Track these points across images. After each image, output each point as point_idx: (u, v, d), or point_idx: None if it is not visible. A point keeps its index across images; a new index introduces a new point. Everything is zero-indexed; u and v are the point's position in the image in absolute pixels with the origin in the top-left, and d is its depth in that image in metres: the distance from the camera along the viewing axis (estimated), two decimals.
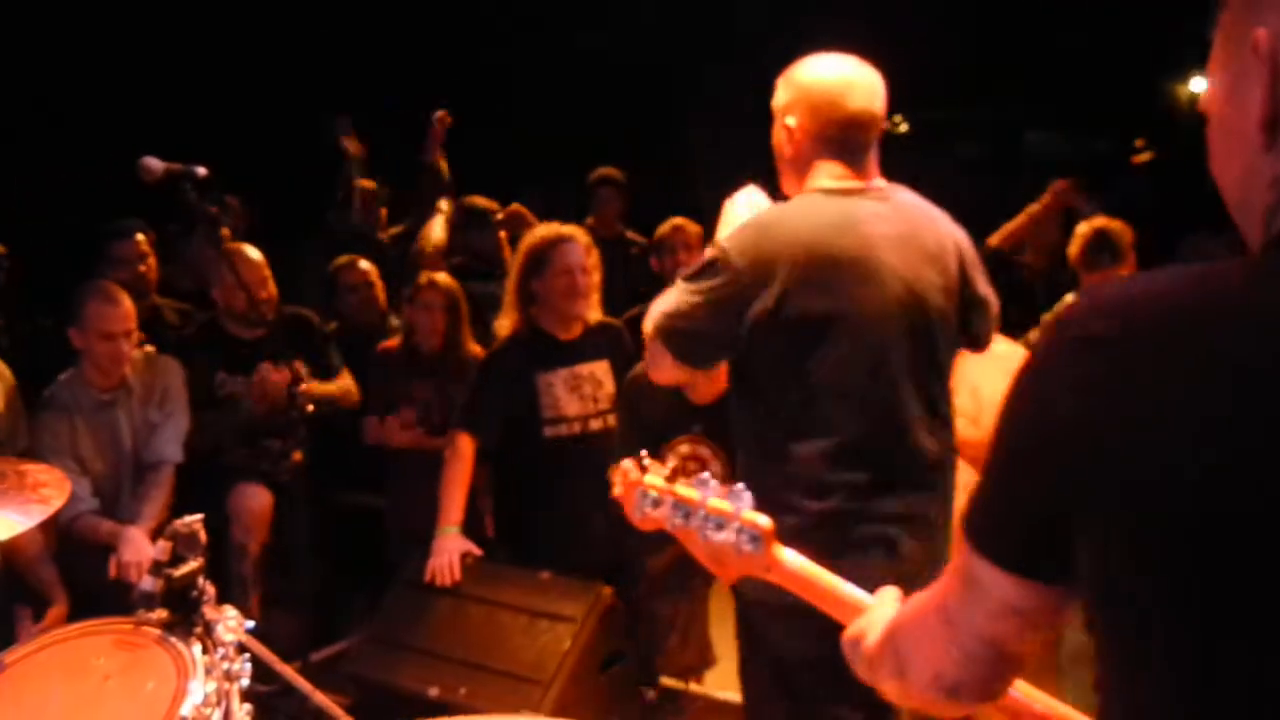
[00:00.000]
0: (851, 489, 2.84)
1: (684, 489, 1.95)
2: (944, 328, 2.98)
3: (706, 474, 1.94)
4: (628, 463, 2.10)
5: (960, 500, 3.71)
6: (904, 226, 2.92)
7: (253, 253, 5.34)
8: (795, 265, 2.78)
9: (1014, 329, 4.23)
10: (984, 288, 3.11)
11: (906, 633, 1.50)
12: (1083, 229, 5.23)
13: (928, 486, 2.96)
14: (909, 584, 2.53)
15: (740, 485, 1.92)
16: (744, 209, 3.11)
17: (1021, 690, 1.61)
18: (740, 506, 1.90)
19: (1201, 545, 1.11)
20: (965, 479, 3.86)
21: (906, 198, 3.02)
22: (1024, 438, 1.27)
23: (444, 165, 7.45)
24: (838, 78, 2.92)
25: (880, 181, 2.98)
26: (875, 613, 1.70)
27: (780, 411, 2.89)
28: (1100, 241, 5.17)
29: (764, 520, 1.90)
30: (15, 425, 4.57)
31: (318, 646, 4.71)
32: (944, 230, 3.02)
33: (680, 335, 2.88)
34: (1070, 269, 5.26)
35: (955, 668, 1.39)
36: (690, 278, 2.89)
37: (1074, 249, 5.24)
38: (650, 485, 2.00)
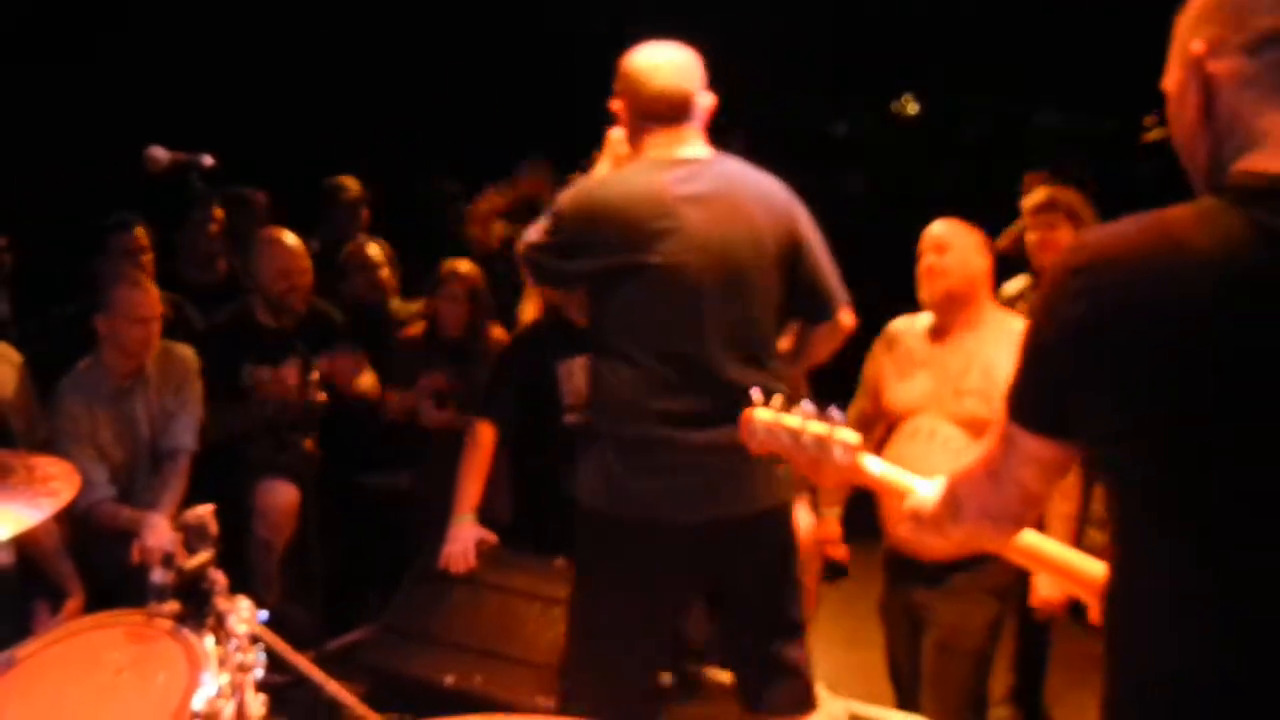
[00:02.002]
0: (662, 416, 3.30)
1: (788, 418, 2.38)
2: (756, 280, 3.34)
3: (805, 401, 2.39)
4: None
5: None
6: (715, 189, 3.33)
7: (291, 239, 5.32)
8: (610, 228, 3.30)
9: None
10: (814, 262, 3.45)
11: (961, 485, 1.99)
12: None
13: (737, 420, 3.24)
14: (715, 503, 3.33)
15: (833, 408, 2.34)
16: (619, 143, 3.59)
17: (1036, 539, 2.19)
18: (833, 426, 2.31)
19: (1155, 410, 1.62)
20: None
21: (728, 166, 3.42)
22: (1038, 340, 1.75)
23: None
24: (647, 62, 3.41)
25: (701, 151, 3.41)
26: (924, 491, 2.16)
27: (605, 342, 3.39)
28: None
29: (853, 436, 2.32)
30: (31, 414, 4.58)
31: (332, 636, 4.70)
32: (767, 196, 3.41)
33: (533, 264, 3.50)
34: None
35: (997, 502, 1.91)
36: (545, 218, 3.45)
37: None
38: (760, 418, 2.41)
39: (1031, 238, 5.05)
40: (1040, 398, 1.78)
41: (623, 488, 3.38)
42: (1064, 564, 2.23)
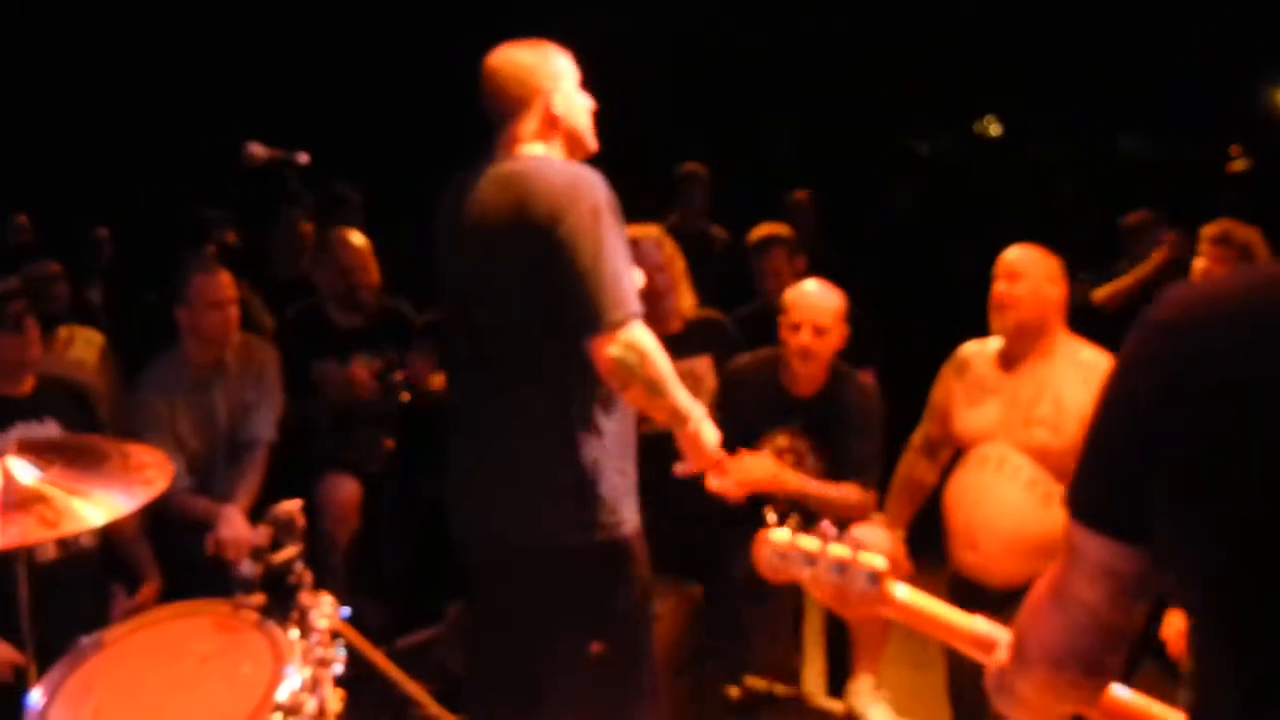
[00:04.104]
0: (453, 422, 3.28)
1: (805, 540, 2.09)
2: (498, 289, 3.06)
3: (825, 522, 2.10)
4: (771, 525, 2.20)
5: None
6: (477, 195, 3.10)
7: (356, 238, 5.38)
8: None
9: None
10: (573, 272, 2.93)
11: (1024, 619, 1.61)
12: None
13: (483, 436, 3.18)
14: (471, 522, 3.24)
15: (859, 529, 2.08)
16: None
17: (1125, 695, 1.74)
18: (857, 550, 2.03)
19: (1247, 504, 1.29)
20: (1046, 489, 3.83)
21: (505, 167, 3.10)
22: (1108, 411, 1.46)
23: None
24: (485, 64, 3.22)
25: (516, 152, 3.14)
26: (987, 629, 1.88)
27: None
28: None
29: (880, 561, 2.03)
30: (116, 398, 4.65)
31: (403, 633, 4.74)
32: (529, 197, 2.99)
33: None
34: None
35: (1063, 637, 1.52)
36: None
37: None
38: (776, 542, 2.13)
39: (1199, 265, 4.97)
40: (1108, 487, 1.46)
41: None
42: None
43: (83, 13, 8.04)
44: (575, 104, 3.25)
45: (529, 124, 3.18)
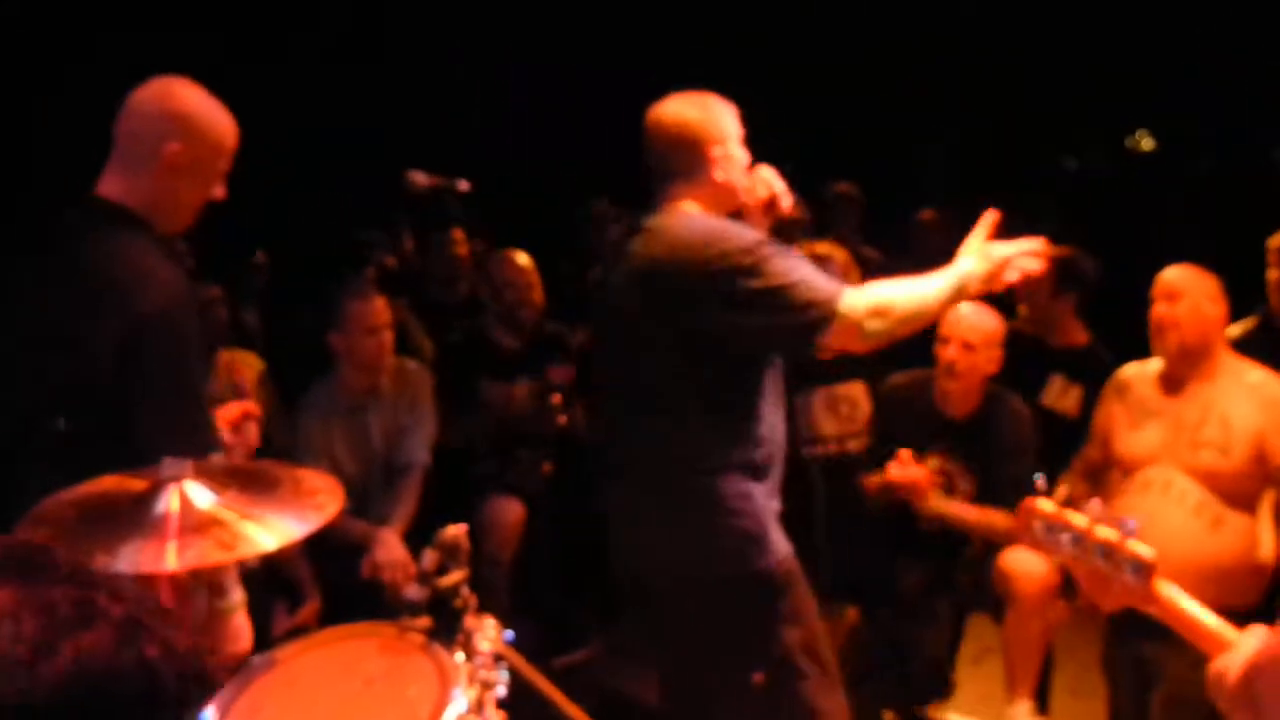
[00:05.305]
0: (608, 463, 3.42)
1: (1074, 516, 2.03)
2: (639, 346, 3.18)
3: (1095, 501, 2.04)
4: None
5: None
6: (630, 252, 3.22)
7: (521, 258, 5.43)
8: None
9: None
10: (766, 295, 2.99)
11: (1265, 674, 1.52)
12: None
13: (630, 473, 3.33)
14: (622, 556, 3.36)
15: (1129, 516, 1.99)
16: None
17: None
18: (1126, 536, 1.96)
19: None
20: (1215, 512, 3.74)
21: (663, 223, 3.19)
22: None
23: None
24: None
25: (674, 209, 3.21)
26: (1241, 650, 1.73)
27: None
28: None
29: (1148, 551, 1.95)
30: (275, 422, 4.74)
31: (557, 654, 4.77)
32: (667, 255, 3.11)
33: None
34: None
35: None
36: None
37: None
38: (1043, 511, 2.07)
39: (1273, 275, 4.88)
40: None
41: None
42: None
43: (230, 48, 8.26)
44: (735, 164, 3.28)
45: (690, 188, 3.23)
